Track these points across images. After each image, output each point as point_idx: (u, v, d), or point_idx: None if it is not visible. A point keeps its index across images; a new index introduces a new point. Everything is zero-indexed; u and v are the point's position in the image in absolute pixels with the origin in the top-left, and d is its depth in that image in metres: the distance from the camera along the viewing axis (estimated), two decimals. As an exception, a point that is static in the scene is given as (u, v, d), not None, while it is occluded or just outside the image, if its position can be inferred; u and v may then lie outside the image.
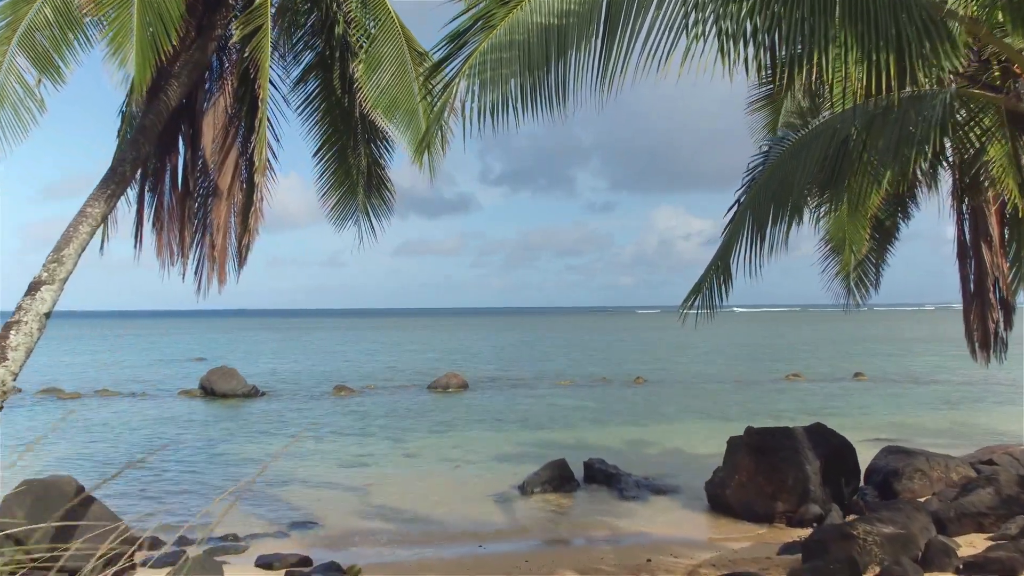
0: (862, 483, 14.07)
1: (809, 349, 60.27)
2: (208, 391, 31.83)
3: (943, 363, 44.98)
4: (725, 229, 8.02)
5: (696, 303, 7.42)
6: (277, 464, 18.02)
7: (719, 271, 7.36)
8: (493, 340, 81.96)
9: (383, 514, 13.37)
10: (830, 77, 4.88)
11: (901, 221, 10.88)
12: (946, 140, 6.50)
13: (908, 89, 6.03)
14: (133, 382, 37.52)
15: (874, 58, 4.81)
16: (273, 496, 14.79)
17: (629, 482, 15.06)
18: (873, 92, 5.03)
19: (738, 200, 7.90)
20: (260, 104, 7.61)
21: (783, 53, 4.85)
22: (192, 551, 11.19)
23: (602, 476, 15.48)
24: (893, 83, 4.71)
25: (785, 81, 4.91)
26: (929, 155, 5.80)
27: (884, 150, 5.81)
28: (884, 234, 10.95)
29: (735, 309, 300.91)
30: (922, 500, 13.91)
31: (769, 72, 4.96)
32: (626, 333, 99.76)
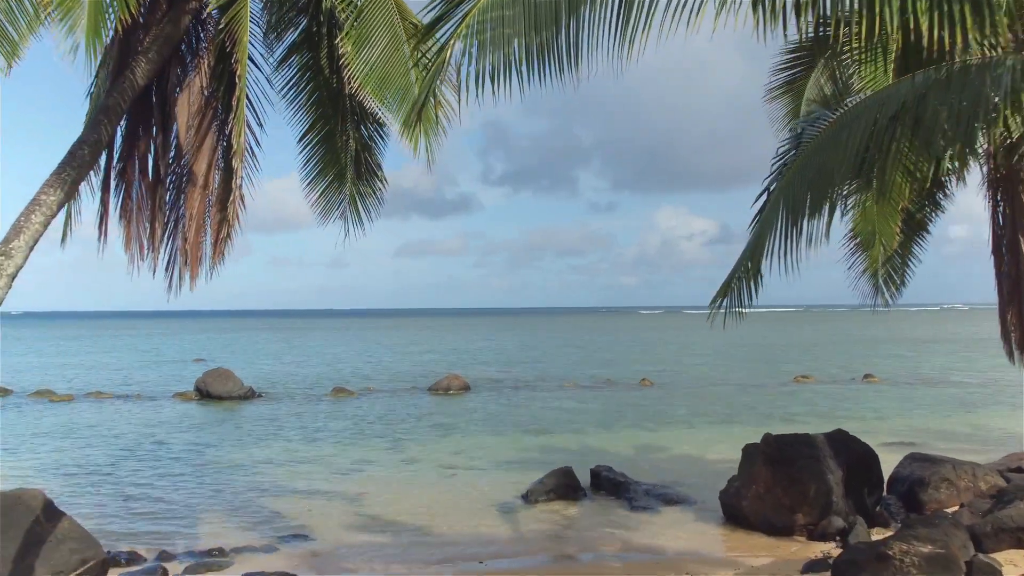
0: (884, 492, 13.30)
1: (815, 350, 59.46)
2: (204, 393, 31.10)
3: (953, 364, 44.18)
4: (753, 223, 7.25)
5: (724, 304, 6.67)
6: (270, 470, 17.31)
7: (748, 269, 6.60)
8: (495, 341, 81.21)
9: (378, 526, 12.61)
10: (893, 28, 4.10)
11: (933, 213, 10.10)
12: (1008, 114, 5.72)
13: (966, 56, 5.28)
14: (128, 384, 36.81)
15: (946, 8, 4.05)
16: (264, 506, 14.04)
17: (638, 491, 14.28)
18: (936, 49, 4.28)
19: (767, 189, 7.14)
20: (238, 80, 6.85)
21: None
22: (172, 568, 10.47)
23: (610, 485, 14.71)
24: (972, 36, 3.94)
25: (840, 35, 4.12)
26: (1000, 127, 5.02)
27: (944, 124, 5.03)
28: (914, 228, 10.17)
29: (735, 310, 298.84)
30: (950, 511, 13.15)
31: (825, 25, 4.17)
32: (629, 334, 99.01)
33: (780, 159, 7.17)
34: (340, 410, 27.44)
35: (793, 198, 6.46)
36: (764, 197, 7.20)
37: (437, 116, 7.26)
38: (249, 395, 30.97)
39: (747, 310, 6.88)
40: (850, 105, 6.54)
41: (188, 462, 18.30)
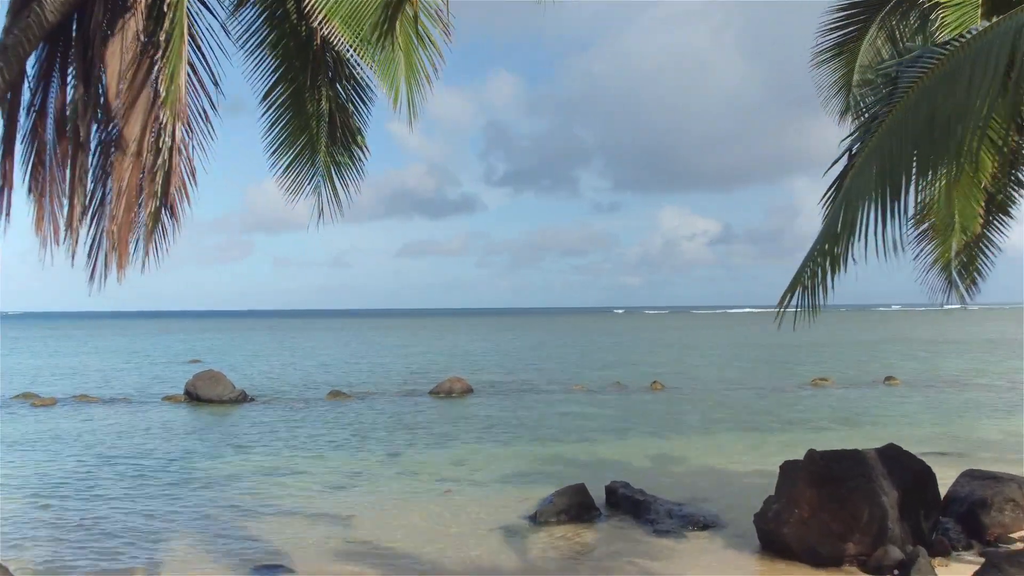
0: (941, 515, 11.75)
1: (826, 351, 57.83)
2: (193, 397, 29.64)
3: (972, 365, 42.52)
4: (828, 198, 5.73)
5: (793, 301, 5.18)
6: (253, 485, 15.82)
7: (826, 258, 5.09)
8: (499, 341, 79.67)
9: (366, 552, 11.09)
10: None
11: (1017, 193, 8.53)
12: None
13: None
14: (117, 386, 35.34)
15: None
16: (240, 528, 12.53)
17: (660, 511, 12.73)
18: None
19: (849, 152, 5.60)
20: (168, 8, 5.34)
21: None
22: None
23: (628, 503, 13.17)
24: None
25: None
26: None
27: None
28: (995, 211, 8.61)
29: (729, 311, 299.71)
30: (1015, 536, 11.65)
31: None
32: (634, 334, 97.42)
33: (866, 115, 5.64)
34: (335, 415, 25.93)
35: (891, 159, 4.93)
36: (844, 162, 5.66)
37: (420, 61, 5.75)
38: (241, 399, 29.49)
39: (820, 308, 5.40)
40: (966, 39, 4.99)
41: (165, 475, 16.80)
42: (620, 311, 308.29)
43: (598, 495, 13.44)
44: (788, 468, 11.37)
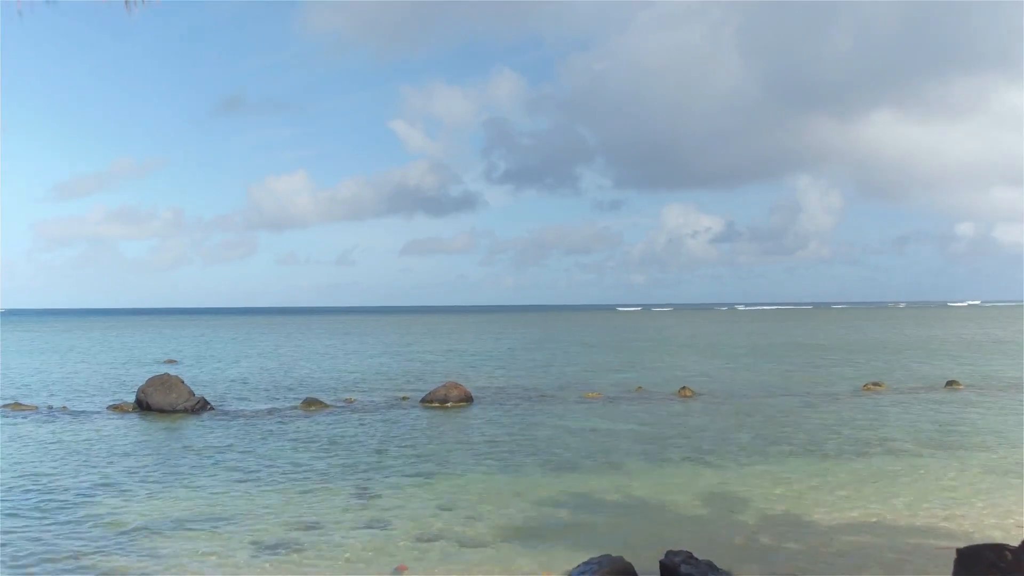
0: None
1: (861, 351, 53.11)
2: (143, 405, 25.19)
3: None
4: None
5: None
6: (166, 541, 11.33)
7: None
8: (504, 340, 74.97)
9: None
10: None
11: None
12: None
13: None
14: (63, 393, 30.86)
15: None
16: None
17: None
18: None
19: None
20: None
21: None
22: None
23: (697, 594, 8.63)
24: None
25: None
26: None
27: None
28: None
29: (737, 307, 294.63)
30: None
31: None
32: (645, 332, 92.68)
33: None
34: (303, 431, 21.40)
35: None
36: None
37: None
38: (198, 407, 25.04)
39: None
40: None
41: (59, 518, 12.33)
42: (630, 308, 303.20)
43: (644, 564, 8.94)
44: (969, 557, 6.90)
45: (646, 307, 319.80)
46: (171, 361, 47.53)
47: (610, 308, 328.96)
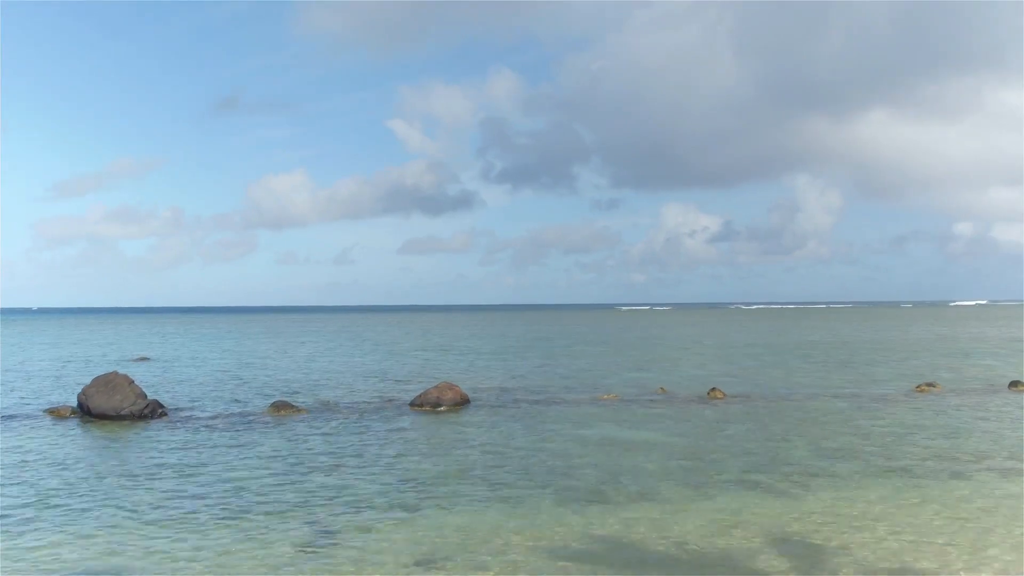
0: None
1: (888, 349, 49.46)
2: (85, 409, 21.54)
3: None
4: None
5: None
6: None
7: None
8: (505, 338, 71.22)
9: None
10: None
11: None
12: None
13: None
14: (4, 391, 27.19)
15: None
16: None
17: None
18: None
19: None
20: None
21: None
22: None
23: None
24: None
25: None
26: None
27: None
28: None
29: (739, 307, 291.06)
30: None
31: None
32: (651, 330, 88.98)
33: None
34: (263, 443, 17.71)
35: None
36: None
37: None
38: (148, 413, 21.34)
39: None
40: None
41: None
42: (634, 307, 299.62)
43: None
44: None
45: (645, 306, 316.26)
46: (143, 358, 43.89)
47: (610, 307, 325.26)
